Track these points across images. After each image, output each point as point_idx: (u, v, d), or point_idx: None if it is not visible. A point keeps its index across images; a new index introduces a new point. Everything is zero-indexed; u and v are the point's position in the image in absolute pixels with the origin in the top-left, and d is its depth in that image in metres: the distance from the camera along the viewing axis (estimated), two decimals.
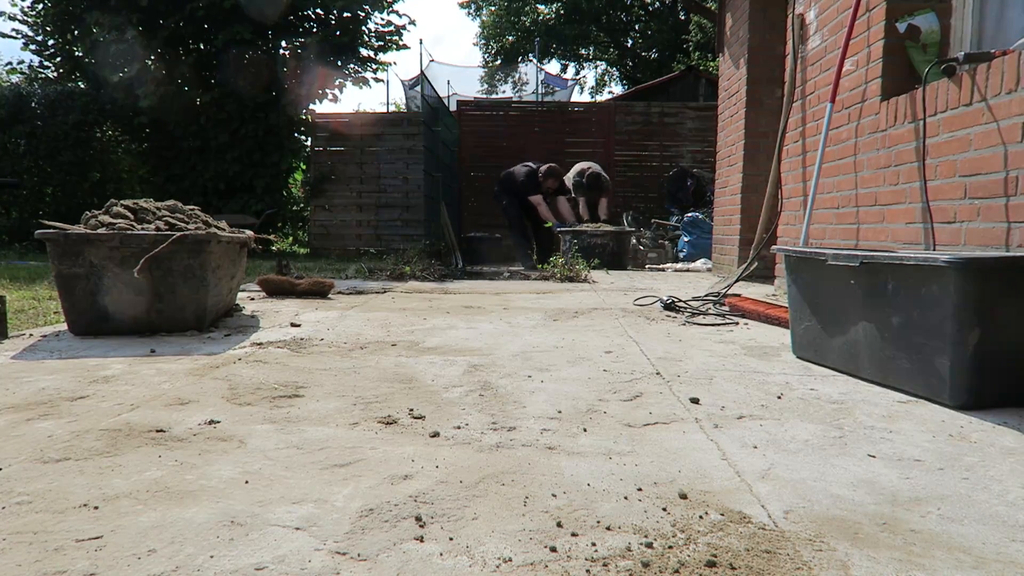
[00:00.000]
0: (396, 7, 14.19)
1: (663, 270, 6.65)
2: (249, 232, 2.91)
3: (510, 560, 0.81)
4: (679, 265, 6.81)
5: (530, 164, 7.17)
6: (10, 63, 10.11)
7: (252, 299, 3.55)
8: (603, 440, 1.27)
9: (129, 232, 2.33)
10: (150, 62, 9.19)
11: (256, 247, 3.00)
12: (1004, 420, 1.43)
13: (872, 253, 1.74)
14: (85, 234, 2.29)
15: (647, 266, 7.12)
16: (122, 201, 2.58)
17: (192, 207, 2.73)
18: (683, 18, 23.38)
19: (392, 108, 13.62)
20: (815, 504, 0.99)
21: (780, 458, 1.18)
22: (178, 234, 2.33)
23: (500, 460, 1.15)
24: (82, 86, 9.74)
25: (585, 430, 1.33)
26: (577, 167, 7.31)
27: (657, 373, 1.85)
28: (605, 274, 6.03)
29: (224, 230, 2.67)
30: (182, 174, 9.52)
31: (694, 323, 2.82)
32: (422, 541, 0.86)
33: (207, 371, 1.80)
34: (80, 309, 2.33)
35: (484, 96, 16.23)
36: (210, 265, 2.40)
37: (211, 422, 1.34)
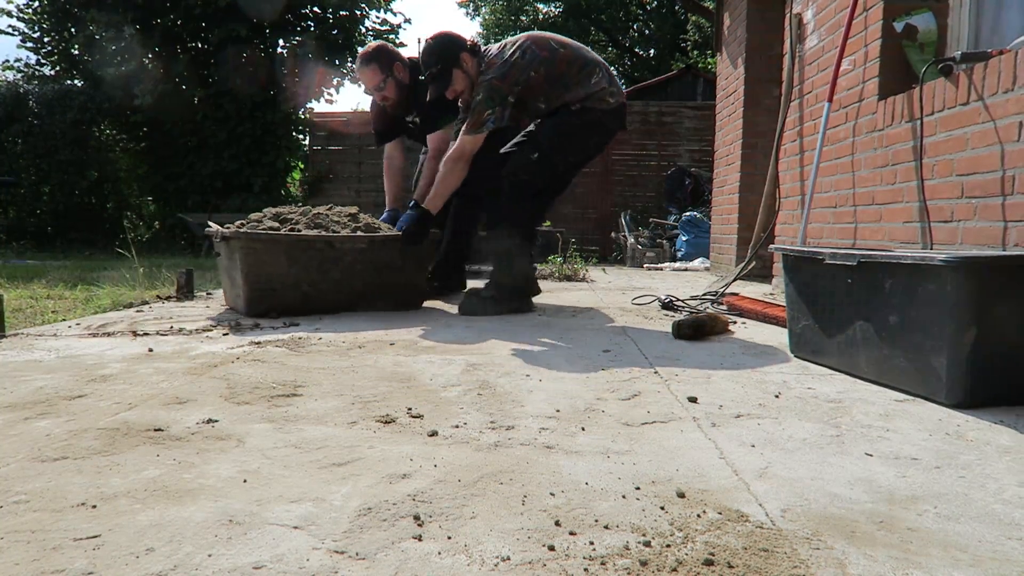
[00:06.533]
0: (392, 5, 14.18)
1: (661, 269, 6.66)
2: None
3: (508, 559, 0.82)
4: (677, 264, 6.82)
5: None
6: (7, 60, 10.04)
7: None
8: (601, 439, 1.27)
9: (216, 228, 2.96)
10: (147, 60, 9.17)
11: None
12: (1000, 419, 1.43)
13: (869, 252, 1.75)
14: (209, 231, 3.03)
15: (645, 265, 7.13)
16: (279, 208, 3.16)
17: (342, 209, 3.16)
18: (682, 17, 23.39)
19: None
20: (812, 503, 0.99)
21: (778, 457, 1.19)
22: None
23: (498, 459, 1.16)
24: (79, 84, 9.71)
25: (583, 429, 1.33)
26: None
27: (655, 372, 1.85)
28: (603, 273, 6.04)
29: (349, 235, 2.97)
30: (180, 172, 9.51)
31: None
32: (420, 540, 0.86)
33: (205, 370, 1.80)
34: (223, 288, 3.14)
35: None
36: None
37: (209, 421, 1.34)
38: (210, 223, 3.08)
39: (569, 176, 3.18)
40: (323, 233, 2.91)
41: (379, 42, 3.50)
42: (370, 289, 3.02)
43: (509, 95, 2.85)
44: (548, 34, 3.02)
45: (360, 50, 3.58)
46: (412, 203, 3.12)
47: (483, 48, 3.00)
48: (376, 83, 3.29)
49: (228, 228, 2.90)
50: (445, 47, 2.91)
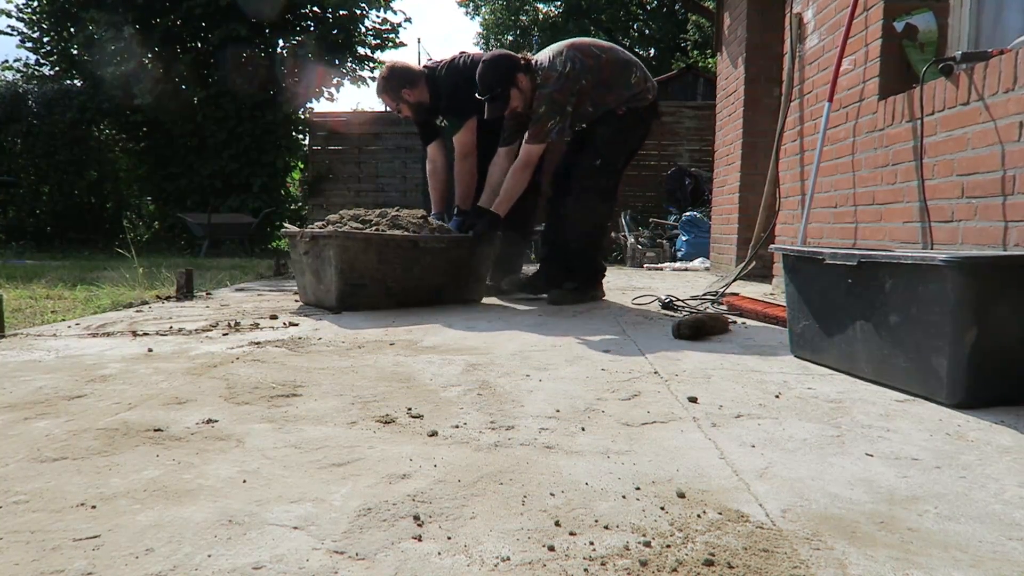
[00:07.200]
0: (393, 4, 14.20)
1: (661, 269, 6.65)
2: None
3: (508, 559, 0.81)
4: (677, 264, 6.81)
5: None
6: (7, 60, 10.03)
7: (260, 294, 3.54)
8: (601, 439, 1.27)
9: (296, 230, 3.18)
10: (147, 60, 9.16)
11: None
12: (1000, 419, 1.43)
13: (870, 252, 1.75)
14: (287, 231, 3.28)
15: (645, 265, 7.13)
16: (355, 210, 3.29)
17: (410, 212, 3.30)
18: (681, 17, 23.38)
19: None
20: (813, 503, 0.99)
21: (778, 457, 1.19)
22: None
23: (498, 459, 1.15)
24: (78, 84, 9.70)
25: (583, 429, 1.33)
26: None
27: (655, 372, 1.85)
28: None
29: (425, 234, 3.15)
30: (179, 172, 9.49)
31: None
32: (420, 540, 0.86)
33: (205, 370, 1.80)
34: (299, 285, 3.27)
35: None
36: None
37: (209, 421, 1.34)
38: (286, 224, 3.44)
39: (623, 171, 3.46)
40: (406, 234, 3.08)
41: (388, 67, 3.60)
42: (443, 285, 3.23)
43: (567, 105, 3.10)
44: (588, 40, 3.27)
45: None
46: (459, 209, 3.49)
47: (533, 60, 3.19)
48: (393, 108, 3.65)
49: (313, 229, 3.10)
50: (502, 71, 3.10)
